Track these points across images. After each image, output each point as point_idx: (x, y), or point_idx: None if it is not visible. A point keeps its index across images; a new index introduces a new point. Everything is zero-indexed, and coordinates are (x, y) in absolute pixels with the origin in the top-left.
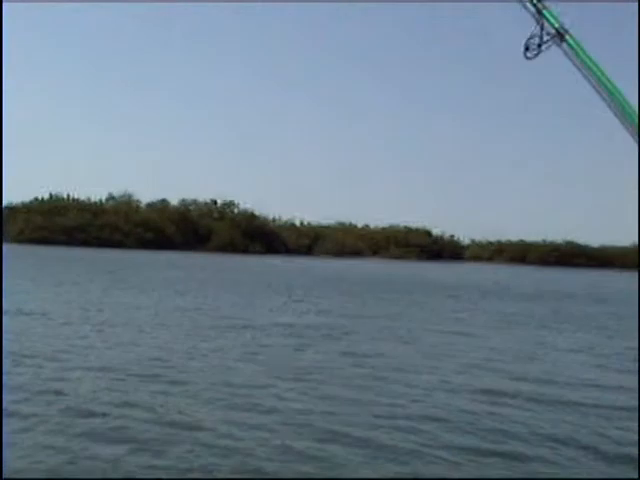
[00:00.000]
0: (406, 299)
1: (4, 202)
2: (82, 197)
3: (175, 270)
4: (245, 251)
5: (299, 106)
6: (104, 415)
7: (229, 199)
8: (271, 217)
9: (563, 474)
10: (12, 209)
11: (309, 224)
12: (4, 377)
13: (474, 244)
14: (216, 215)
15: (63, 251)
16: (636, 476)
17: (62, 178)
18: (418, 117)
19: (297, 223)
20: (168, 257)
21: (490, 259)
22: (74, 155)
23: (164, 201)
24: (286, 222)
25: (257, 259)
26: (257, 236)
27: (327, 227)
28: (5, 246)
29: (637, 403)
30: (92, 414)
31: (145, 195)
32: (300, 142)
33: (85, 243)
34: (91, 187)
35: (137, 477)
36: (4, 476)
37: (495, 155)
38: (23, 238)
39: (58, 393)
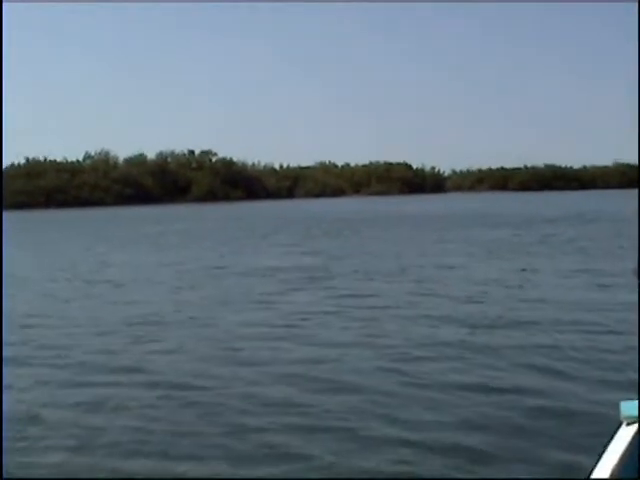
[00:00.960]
0: (389, 234)
1: None
2: (59, 158)
3: (155, 224)
4: (226, 199)
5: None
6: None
7: (206, 149)
8: (250, 163)
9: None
10: None
11: (289, 167)
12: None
13: (455, 175)
14: (194, 165)
15: (43, 214)
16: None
17: (38, 141)
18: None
19: (276, 166)
20: (148, 211)
21: (472, 188)
22: (49, 117)
23: (141, 155)
24: (265, 166)
25: (238, 206)
26: (237, 183)
27: (307, 168)
28: None
29: None
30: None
31: (122, 151)
32: (275, 85)
33: (65, 204)
34: (67, 148)
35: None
36: (4, 476)
37: (472, 84)
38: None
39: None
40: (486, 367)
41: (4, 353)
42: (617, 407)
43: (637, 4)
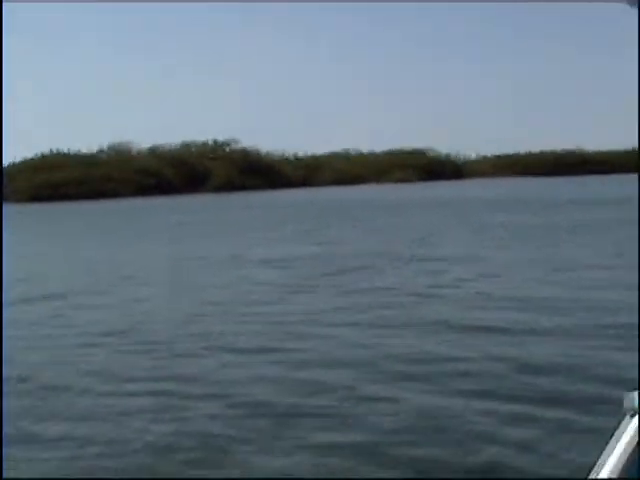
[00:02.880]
0: (412, 221)
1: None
2: (79, 150)
3: (176, 215)
4: (245, 188)
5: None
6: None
7: (226, 138)
8: (269, 151)
9: None
10: (8, 169)
11: (308, 155)
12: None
13: (475, 161)
14: (213, 155)
15: (64, 206)
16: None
17: (59, 134)
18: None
19: (295, 155)
20: (169, 202)
21: (492, 174)
22: (71, 109)
23: (161, 146)
24: (284, 155)
25: (257, 195)
26: (256, 172)
27: (326, 156)
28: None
29: None
30: None
31: (142, 142)
32: (295, 74)
33: (85, 196)
34: (88, 140)
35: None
36: (4, 476)
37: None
38: (22, 198)
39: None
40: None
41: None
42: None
43: (637, 4)
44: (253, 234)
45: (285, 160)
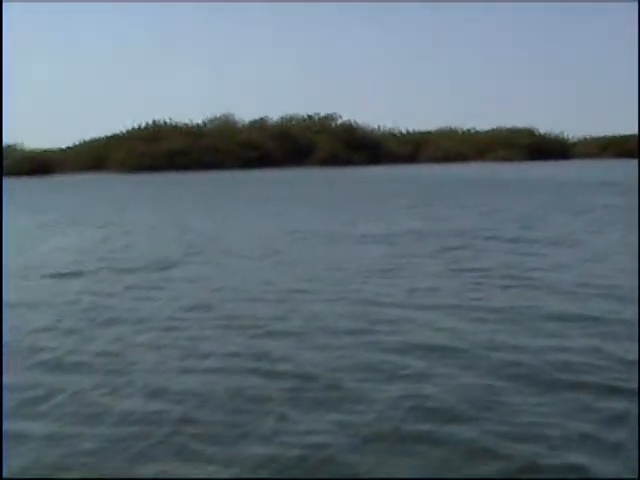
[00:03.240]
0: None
1: (106, 132)
2: (184, 121)
3: (279, 187)
4: (348, 163)
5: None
6: None
7: (328, 112)
8: (372, 127)
9: None
10: (114, 138)
11: (412, 131)
12: None
13: (581, 141)
14: (317, 129)
15: (166, 177)
16: (636, 476)
17: (162, 104)
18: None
19: (399, 131)
20: (271, 175)
21: (598, 155)
22: (174, 81)
23: (264, 119)
24: (388, 131)
25: (360, 170)
26: (359, 147)
27: (430, 133)
28: (109, 175)
29: None
30: None
31: (245, 115)
32: (401, 49)
33: (188, 167)
34: (191, 111)
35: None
36: (4, 476)
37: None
38: (126, 167)
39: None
40: None
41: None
42: None
43: (637, 4)
44: (357, 209)
45: (391, 135)
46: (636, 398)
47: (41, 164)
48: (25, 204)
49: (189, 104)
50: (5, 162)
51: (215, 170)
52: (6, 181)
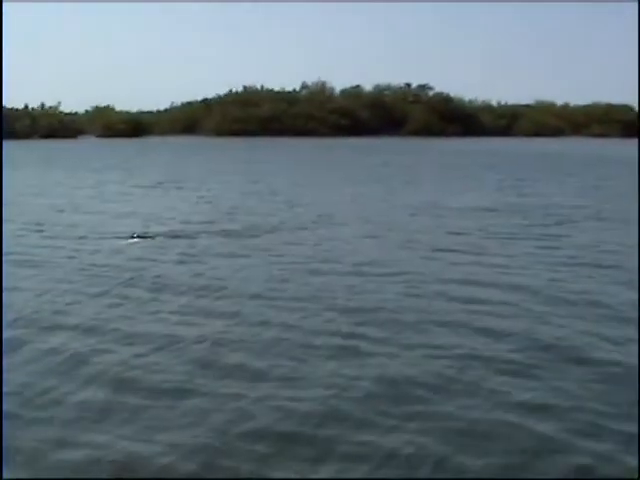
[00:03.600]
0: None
1: (200, 97)
2: (276, 88)
3: (373, 156)
4: (441, 134)
5: None
6: None
7: (423, 82)
8: (467, 99)
9: None
10: (208, 103)
11: (506, 104)
12: None
13: None
14: (411, 99)
15: (259, 141)
16: (636, 476)
17: (255, 70)
18: None
19: (494, 104)
20: (363, 143)
21: None
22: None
23: (358, 87)
24: (482, 103)
25: (453, 141)
26: (453, 119)
27: (525, 107)
28: (202, 140)
29: None
30: None
31: (339, 82)
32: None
33: (280, 133)
34: (284, 77)
35: None
36: (4, 476)
37: None
38: (219, 131)
39: None
40: None
41: None
42: None
43: (637, 4)
44: (451, 181)
45: (486, 108)
46: None
47: (135, 126)
48: (123, 166)
49: (284, 71)
50: (98, 123)
51: (307, 137)
52: (100, 141)
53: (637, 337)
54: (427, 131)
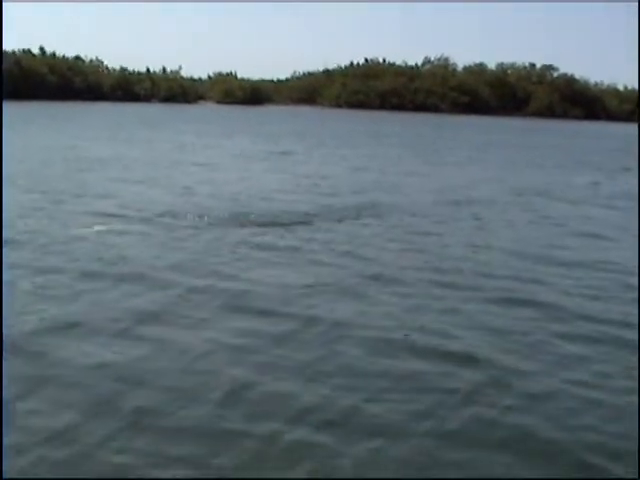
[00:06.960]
0: None
1: (322, 67)
2: (398, 62)
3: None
4: (564, 116)
5: None
6: None
7: (548, 63)
8: (593, 82)
9: None
10: (329, 74)
11: (633, 89)
12: None
13: None
14: (535, 79)
15: (378, 114)
16: (636, 476)
17: (376, 43)
18: None
19: (620, 88)
20: (485, 121)
21: None
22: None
23: (481, 65)
24: (608, 87)
25: (576, 125)
26: (577, 101)
27: None
28: (323, 110)
29: None
30: None
31: (462, 59)
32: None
33: (399, 107)
34: (407, 52)
35: None
36: (4, 476)
37: None
38: (339, 102)
39: None
40: None
41: None
42: None
43: (637, 4)
44: (575, 166)
45: (612, 91)
46: None
47: (255, 94)
48: (251, 131)
49: (406, 45)
50: (219, 89)
51: (427, 112)
52: (220, 107)
53: None
54: (549, 112)
